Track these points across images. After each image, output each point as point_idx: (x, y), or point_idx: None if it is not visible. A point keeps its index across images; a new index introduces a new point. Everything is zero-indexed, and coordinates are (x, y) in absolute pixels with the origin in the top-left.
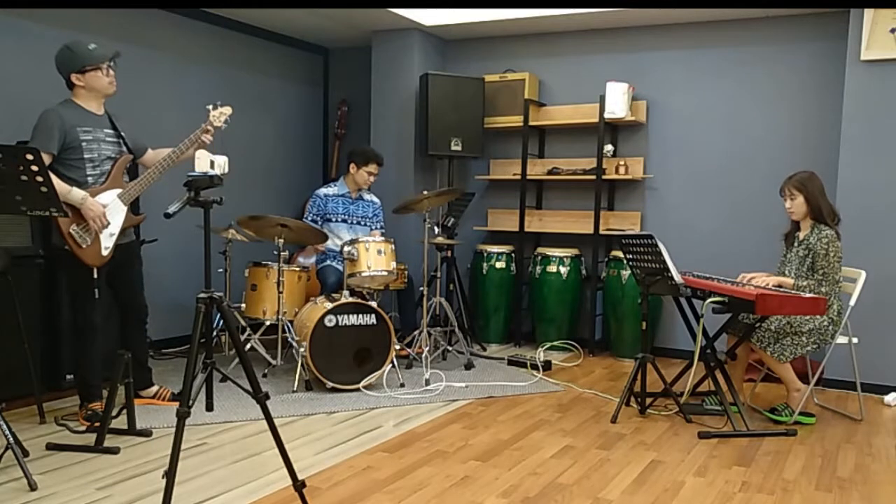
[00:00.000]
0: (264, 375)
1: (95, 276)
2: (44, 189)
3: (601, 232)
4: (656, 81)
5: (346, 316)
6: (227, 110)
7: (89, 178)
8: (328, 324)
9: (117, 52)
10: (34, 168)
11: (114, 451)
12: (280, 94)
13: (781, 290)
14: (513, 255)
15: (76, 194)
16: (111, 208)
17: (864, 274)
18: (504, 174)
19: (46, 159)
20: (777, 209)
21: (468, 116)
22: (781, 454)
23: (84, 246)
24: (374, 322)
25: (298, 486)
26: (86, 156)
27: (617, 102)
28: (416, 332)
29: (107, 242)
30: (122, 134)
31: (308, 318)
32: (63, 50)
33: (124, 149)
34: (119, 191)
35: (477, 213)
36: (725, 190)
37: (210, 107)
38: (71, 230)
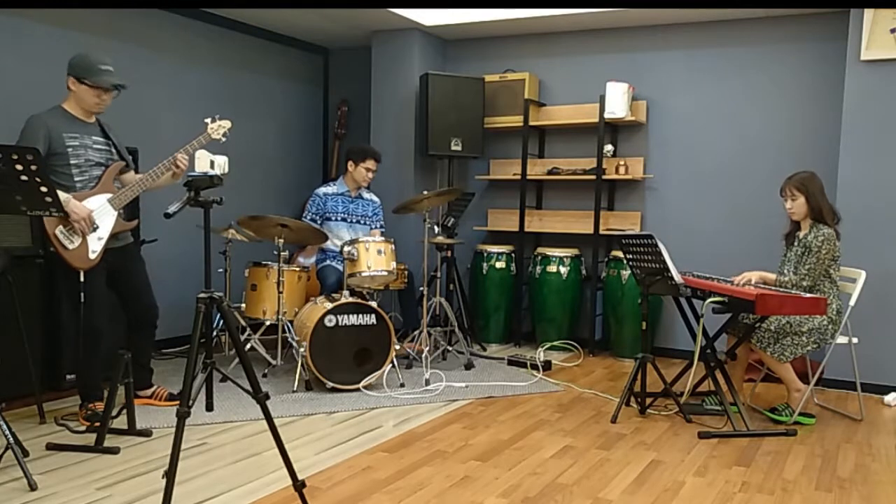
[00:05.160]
0: (264, 375)
1: (82, 279)
2: (43, 189)
3: (601, 232)
4: (656, 81)
5: (346, 316)
6: (227, 124)
7: (77, 184)
8: (328, 324)
9: (123, 86)
10: (34, 168)
11: (114, 451)
12: (280, 94)
13: (770, 287)
14: (513, 255)
15: (59, 196)
16: (99, 212)
17: (863, 274)
18: (504, 174)
19: None
20: (777, 209)
21: (468, 116)
22: (781, 454)
23: (70, 248)
24: (374, 322)
25: (298, 486)
26: (72, 161)
27: (617, 102)
28: (416, 332)
29: (94, 246)
30: (114, 141)
31: (308, 318)
32: (79, 53)
33: (115, 156)
34: (109, 195)
35: (477, 213)
36: (725, 190)
37: (208, 120)
38: (56, 232)
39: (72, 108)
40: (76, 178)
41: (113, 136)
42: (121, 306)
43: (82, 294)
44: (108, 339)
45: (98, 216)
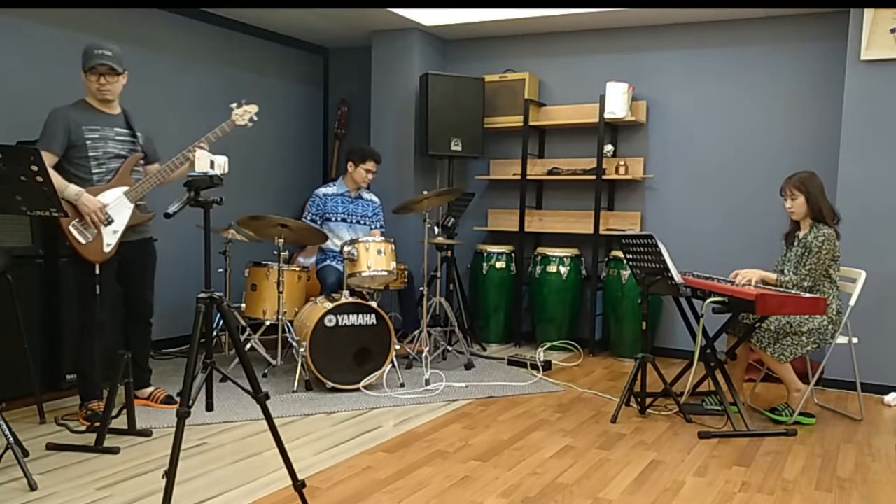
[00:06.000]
0: (264, 375)
1: (97, 272)
2: (44, 189)
3: (601, 232)
4: (656, 81)
5: (346, 316)
6: (253, 108)
7: (94, 176)
8: (328, 324)
9: (110, 66)
10: (34, 168)
11: (114, 451)
12: (280, 94)
13: (771, 287)
14: (513, 255)
15: (71, 190)
16: (114, 205)
17: (863, 274)
18: (504, 174)
19: (51, 158)
20: (776, 209)
21: (468, 116)
22: (781, 454)
23: (84, 242)
24: (374, 322)
25: (298, 486)
26: (90, 154)
27: (617, 102)
28: (416, 332)
29: (109, 239)
30: (139, 134)
31: (308, 318)
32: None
33: (138, 148)
34: (125, 188)
35: (477, 213)
36: (725, 190)
37: (234, 105)
38: (70, 227)
39: (91, 99)
40: (94, 171)
41: (139, 127)
42: (122, 299)
43: (97, 287)
44: (111, 336)
45: (113, 209)
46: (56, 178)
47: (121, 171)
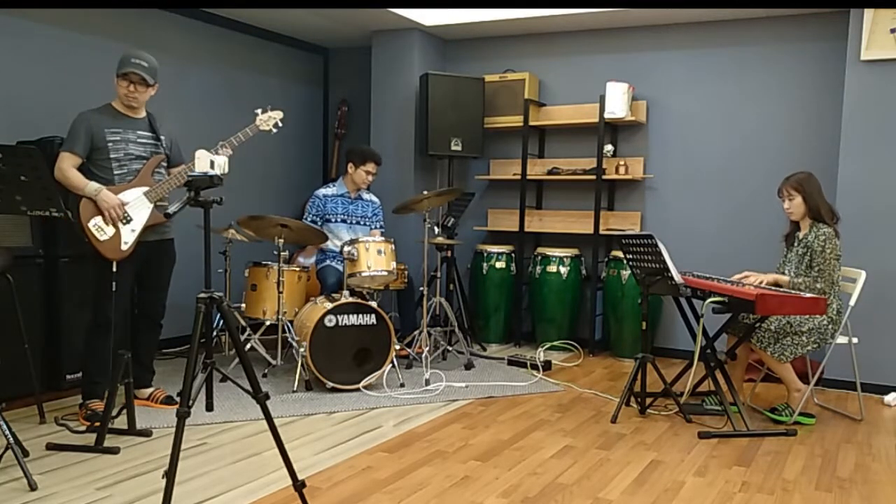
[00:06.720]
0: (264, 375)
1: (114, 269)
2: (44, 189)
3: (601, 232)
4: (656, 81)
5: (346, 316)
6: (277, 115)
7: (116, 177)
8: (328, 324)
9: (131, 72)
10: (34, 168)
11: (114, 451)
12: (280, 94)
13: (780, 289)
14: (513, 255)
15: (91, 187)
16: (133, 205)
17: (863, 274)
18: (504, 174)
19: (74, 160)
20: (777, 209)
21: (468, 116)
22: (781, 454)
23: (102, 239)
24: (374, 322)
25: (298, 486)
26: (111, 156)
27: (617, 102)
28: (416, 332)
29: (127, 237)
30: (162, 137)
31: (308, 318)
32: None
33: (160, 151)
34: (145, 188)
35: (477, 213)
36: (725, 190)
37: (258, 111)
38: (90, 224)
39: (117, 104)
40: (115, 172)
41: (164, 131)
42: (136, 298)
43: (113, 283)
44: (121, 336)
45: (132, 208)
46: (76, 177)
47: (142, 172)
